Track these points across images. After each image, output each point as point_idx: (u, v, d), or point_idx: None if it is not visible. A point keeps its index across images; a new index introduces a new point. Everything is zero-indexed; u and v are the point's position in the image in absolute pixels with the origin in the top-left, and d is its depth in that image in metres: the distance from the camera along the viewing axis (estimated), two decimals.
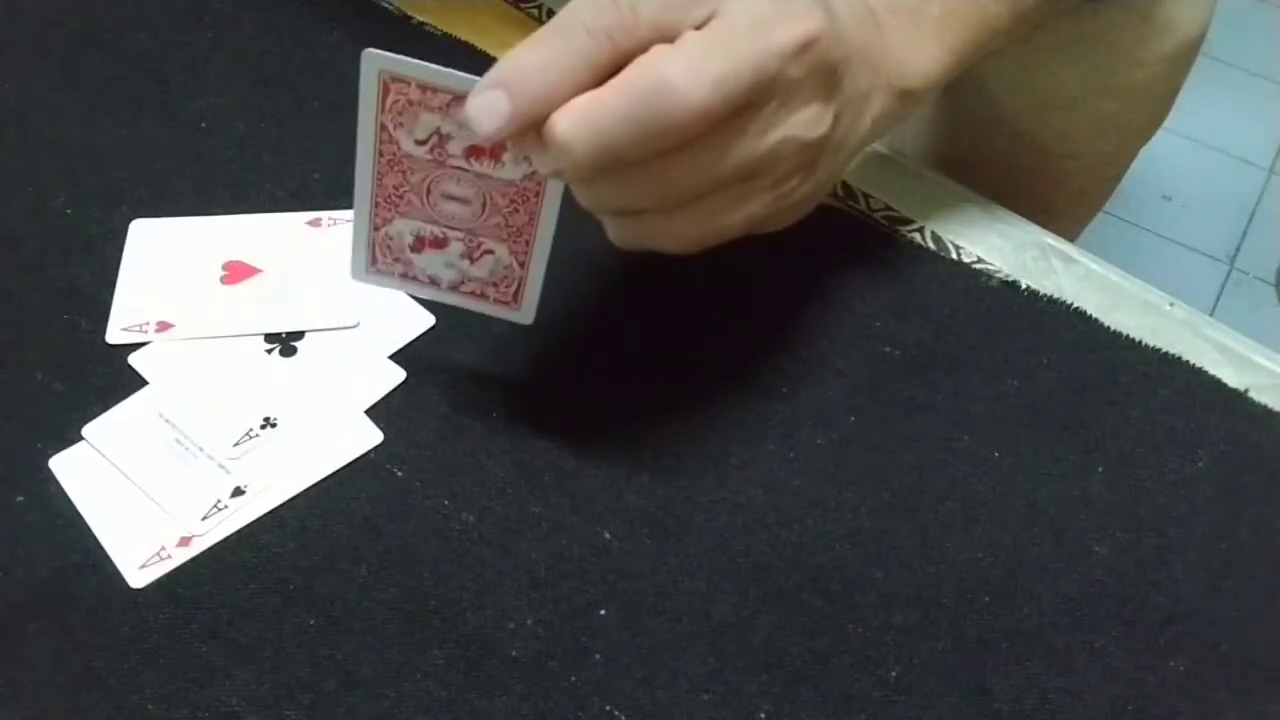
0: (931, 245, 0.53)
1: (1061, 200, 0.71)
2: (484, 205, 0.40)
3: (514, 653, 0.39)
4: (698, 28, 0.35)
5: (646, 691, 0.38)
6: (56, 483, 0.41)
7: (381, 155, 0.40)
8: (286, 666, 0.38)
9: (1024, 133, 0.69)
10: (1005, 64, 0.66)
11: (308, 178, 0.51)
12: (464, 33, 0.58)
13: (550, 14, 0.59)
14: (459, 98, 0.38)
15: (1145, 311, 0.51)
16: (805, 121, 0.38)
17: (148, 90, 0.54)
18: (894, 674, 0.40)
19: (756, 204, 0.39)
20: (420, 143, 0.39)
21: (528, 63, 0.35)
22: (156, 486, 0.41)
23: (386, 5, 0.59)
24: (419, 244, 0.41)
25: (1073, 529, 0.44)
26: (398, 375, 0.45)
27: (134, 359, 0.44)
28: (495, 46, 0.57)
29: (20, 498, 0.41)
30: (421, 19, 0.59)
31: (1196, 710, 0.40)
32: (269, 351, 0.45)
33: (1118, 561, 0.43)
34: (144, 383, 0.44)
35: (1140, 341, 0.50)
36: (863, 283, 0.51)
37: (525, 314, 0.43)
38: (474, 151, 0.39)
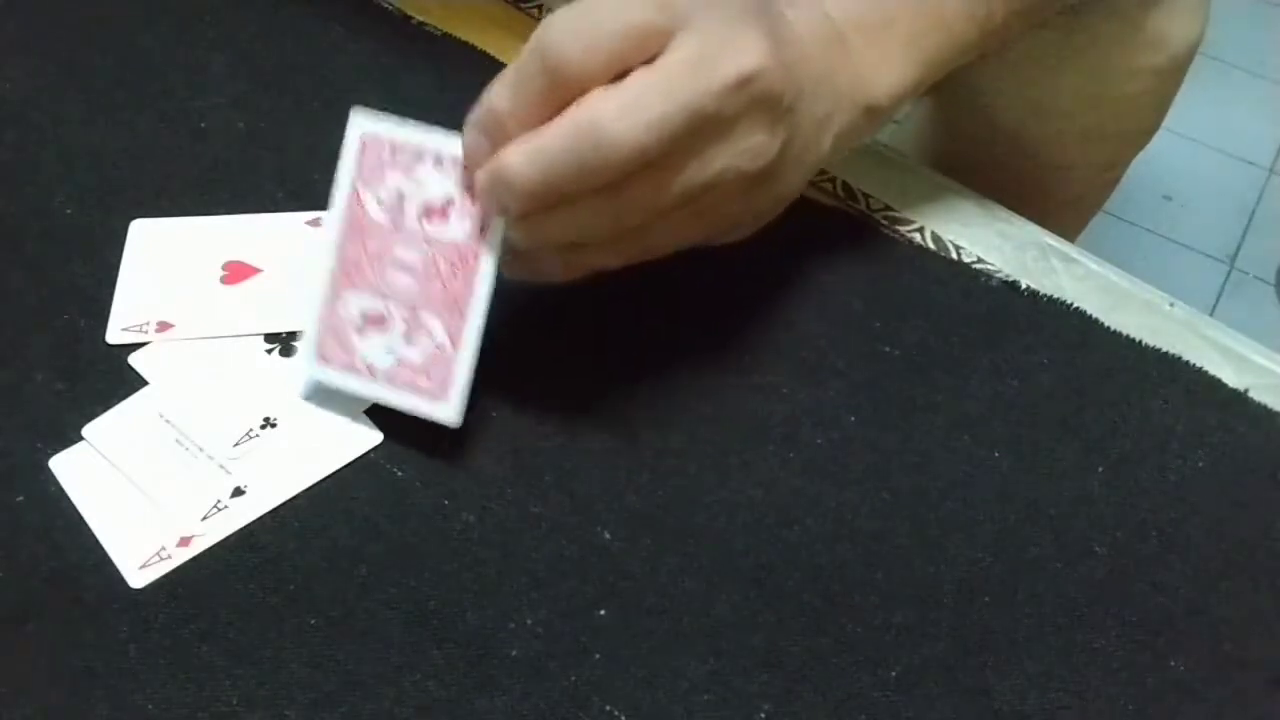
0: (931, 245, 0.53)
1: (1057, 206, 0.72)
2: (427, 272, 0.40)
3: (514, 653, 0.39)
4: (648, 62, 0.37)
5: (646, 691, 0.38)
6: (56, 483, 0.41)
7: (345, 222, 0.41)
8: (286, 666, 0.38)
9: (1018, 140, 0.69)
10: (999, 73, 0.66)
11: (308, 178, 0.51)
12: (464, 33, 0.58)
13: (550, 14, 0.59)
14: (420, 154, 0.39)
15: (1145, 311, 0.51)
16: (746, 152, 0.39)
17: (148, 90, 0.54)
18: (894, 674, 0.40)
19: (696, 229, 0.41)
20: (380, 203, 0.40)
21: (497, 105, 0.37)
22: (156, 486, 0.41)
23: (386, 5, 0.59)
24: (364, 324, 0.41)
25: (1073, 529, 0.44)
26: None
27: (134, 359, 0.44)
28: (495, 46, 0.57)
29: (20, 498, 0.41)
30: (421, 19, 0.59)
31: (1196, 710, 0.40)
32: (269, 351, 0.45)
33: (1118, 561, 0.43)
34: (144, 383, 0.44)
35: (1140, 341, 0.50)
36: (863, 283, 0.51)
37: (450, 408, 0.41)
38: (427, 213, 0.40)
